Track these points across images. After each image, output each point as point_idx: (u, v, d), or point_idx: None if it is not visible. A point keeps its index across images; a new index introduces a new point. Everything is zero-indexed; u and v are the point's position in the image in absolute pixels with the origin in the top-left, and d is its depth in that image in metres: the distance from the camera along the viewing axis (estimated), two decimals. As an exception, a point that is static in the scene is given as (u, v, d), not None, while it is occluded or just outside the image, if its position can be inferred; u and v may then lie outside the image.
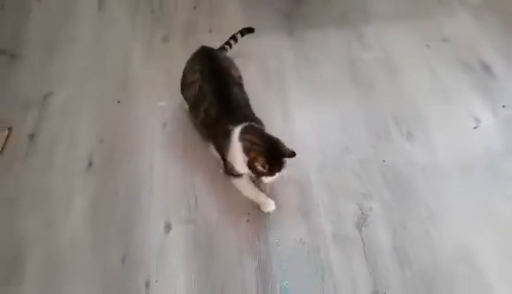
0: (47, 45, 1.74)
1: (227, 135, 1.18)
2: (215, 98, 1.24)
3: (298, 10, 1.80)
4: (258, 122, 1.24)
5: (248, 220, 1.22)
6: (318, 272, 1.12)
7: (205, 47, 1.39)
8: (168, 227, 1.21)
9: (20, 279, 1.14)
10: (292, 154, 1.11)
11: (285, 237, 1.19)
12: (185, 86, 1.35)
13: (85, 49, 1.72)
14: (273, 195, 1.25)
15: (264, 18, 1.77)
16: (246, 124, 1.17)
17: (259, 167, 1.11)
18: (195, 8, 1.85)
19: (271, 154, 1.11)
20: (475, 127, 1.42)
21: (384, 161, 1.33)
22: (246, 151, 1.12)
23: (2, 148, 1.41)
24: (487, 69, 1.59)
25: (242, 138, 1.14)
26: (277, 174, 1.14)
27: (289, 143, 1.34)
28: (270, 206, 1.22)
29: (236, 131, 1.16)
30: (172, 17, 1.81)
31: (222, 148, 1.22)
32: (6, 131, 1.45)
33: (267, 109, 1.40)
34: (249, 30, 1.55)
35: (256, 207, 1.23)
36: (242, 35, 1.55)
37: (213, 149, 1.28)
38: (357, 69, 1.59)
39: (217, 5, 1.85)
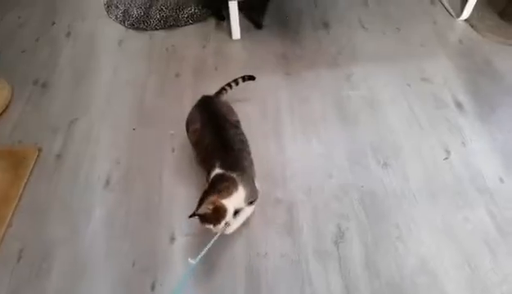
0: (74, 76, 2.00)
1: (210, 170, 1.34)
2: (213, 140, 1.40)
3: (294, 52, 2.03)
4: (242, 168, 1.35)
5: (241, 235, 1.42)
6: (299, 281, 1.31)
7: (206, 97, 1.57)
8: (172, 238, 1.42)
9: (47, 276, 1.35)
10: (193, 215, 1.24)
11: (272, 250, 1.38)
12: (189, 132, 1.53)
13: (106, 81, 1.97)
14: (263, 214, 1.45)
15: (264, 59, 2.01)
16: (218, 172, 1.31)
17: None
18: (204, 47, 2.10)
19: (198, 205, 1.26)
20: (445, 158, 1.61)
21: (362, 186, 1.53)
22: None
23: (34, 165, 1.65)
24: (459, 106, 1.79)
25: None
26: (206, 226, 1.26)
27: (280, 170, 1.58)
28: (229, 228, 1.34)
29: (212, 174, 1.32)
30: (183, 55, 2.06)
31: (208, 179, 1.37)
32: (37, 152, 1.69)
33: (263, 141, 1.62)
34: (251, 78, 1.74)
35: (249, 224, 1.43)
36: (243, 80, 1.73)
37: None
38: (343, 105, 1.80)
39: (223, 46, 2.09)
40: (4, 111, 1.85)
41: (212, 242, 1.28)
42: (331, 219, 1.44)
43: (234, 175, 1.31)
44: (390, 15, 2.22)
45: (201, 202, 1.26)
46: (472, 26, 2.15)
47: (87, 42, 2.17)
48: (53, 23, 2.30)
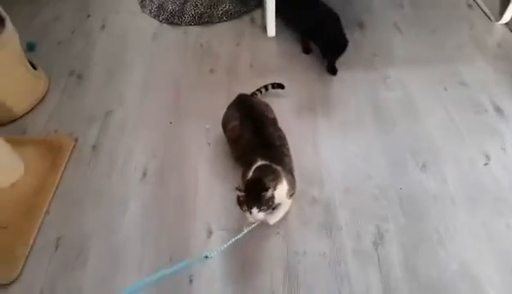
0: (109, 68, 2.02)
1: (251, 163, 1.33)
2: (253, 136, 1.41)
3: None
4: (284, 163, 1.35)
5: (278, 233, 1.40)
6: (337, 281, 1.29)
7: (242, 95, 1.59)
8: (209, 232, 1.41)
9: (84, 266, 1.35)
10: (265, 189, 1.21)
11: (310, 249, 1.36)
12: (227, 130, 1.53)
13: (141, 74, 1.98)
14: (300, 213, 1.44)
15: (299, 58, 2.00)
16: (263, 163, 1.30)
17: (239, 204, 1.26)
18: (238, 44, 2.10)
19: (244, 198, 1.23)
20: (485, 164, 1.58)
21: (400, 188, 1.50)
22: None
23: (70, 155, 1.66)
24: (498, 111, 1.76)
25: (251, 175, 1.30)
26: (252, 213, 1.23)
27: (316, 169, 1.56)
28: (272, 218, 1.36)
29: (255, 165, 1.31)
30: (217, 51, 2.06)
31: (246, 173, 1.35)
32: (74, 142, 1.70)
33: (298, 140, 1.59)
34: (280, 86, 1.77)
35: (286, 223, 1.41)
36: (273, 88, 1.76)
37: None
38: (380, 107, 1.77)
39: (258, 43, 2.09)
40: (41, 101, 1.88)
41: (240, 236, 1.28)
42: (370, 220, 1.42)
43: (278, 167, 1.31)
44: (426, 19, 2.20)
45: (251, 188, 1.23)
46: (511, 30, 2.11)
47: (121, 36, 2.19)
48: (88, 15, 2.33)
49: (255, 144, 1.40)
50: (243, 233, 1.30)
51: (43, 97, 1.89)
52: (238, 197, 1.25)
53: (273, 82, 1.77)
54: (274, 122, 1.53)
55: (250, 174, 1.33)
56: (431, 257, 1.33)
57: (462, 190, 1.50)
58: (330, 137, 1.68)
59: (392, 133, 1.68)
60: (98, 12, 2.34)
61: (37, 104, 1.86)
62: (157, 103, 1.84)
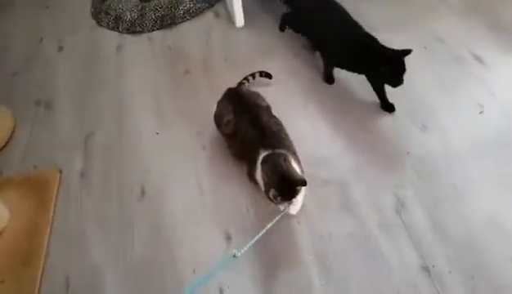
0: (77, 91, 1.87)
1: (256, 157, 1.30)
2: (250, 127, 1.36)
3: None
4: (286, 146, 1.32)
5: (299, 222, 1.35)
6: (372, 257, 1.25)
7: (231, 89, 1.53)
8: (228, 237, 1.33)
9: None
10: (303, 183, 1.19)
11: (335, 232, 1.31)
12: (221, 125, 1.47)
13: (114, 90, 1.85)
14: (315, 197, 1.39)
15: (273, 43, 1.94)
16: (267, 153, 1.27)
17: (272, 198, 1.22)
18: (207, 40, 2.01)
19: (282, 185, 1.19)
20: (481, 112, 1.59)
21: (407, 153, 1.49)
22: (264, 183, 1.23)
23: (58, 188, 1.52)
24: (478, 59, 1.78)
25: (263, 169, 1.25)
26: (292, 201, 1.23)
27: (318, 148, 1.51)
28: (294, 208, 1.31)
29: (260, 157, 1.28)
30: (188, 51, 1.97)
31: (252, 167, 1.34)
32: (59, 174, 1.56)
33: (295, 123, 1.53)
34: (268, 75, 1.73)
35: (304, 210, 1.36)
36: (261, 76, 1.72)
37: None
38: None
39: (228, 35, 2.02)
40: (11, 138, 1.72)
41: (265, 230, 1.23)
42: (387, 189, 1.39)
43: (283, 151, 1.27)
44: None
45: (287, 177, 1.19)
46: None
47: (82, 55, 2.05)
48: (41, 39, 2.16)
49: (253, 134, 1.35)
50: (268, 226, 1.23)
51: (12, 134, 1.73)
52: (272, 196, 1.21)
53: (261, 70, 1.71)
54: (267, 109, 1.48)
55: (258, 167, 1.27)
56: (455, 214, 1.32)
57: (466, 142, 1.50)
58: (326, 117, 1.64)
59: (386, 100, 1.66)
60: (51, 35, 2.18)
61: (6, 143, 1.70)
62: (137, 116, 1.73)
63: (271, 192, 1.21)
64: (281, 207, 1.26)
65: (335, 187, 1.42)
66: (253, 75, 1.69)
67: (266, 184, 1.22)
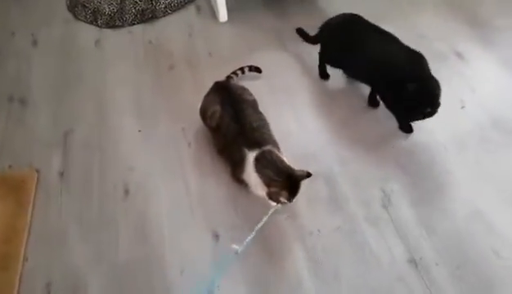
0: (54, 86, 1.80)
1: (241, 157, 1.30)
2: (232, 121, 1.36)
3: (286, 26, 1.95)
4: (272, 142, 1.34)
5: (287, 218, 1.34)
6: (360, 251, 1.26)
7: (219, 82, 1.52)
8: (216, 236, 1.31)
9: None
10: (308, 175, 1.25)
11: (324, 227, 1.31)
12: (207, 117, 1.45)
13: (93, 85, 1.79)
14: (303, 191, 1.38)
15: (258, 37, 1.92)
16: (260, 151, 1.27)
17: (281, 198, 1.24)
18: (190, 34, 1.97)
19: (290, 185, 1.23)
20: (462, 107, 1.62)
21: (392, 147, 1.50)
22: (267, 185, 1.24)
23: (36, 188, 1.46)
24: (458, 55, 1.81)
25: (259, 170, 1.25)
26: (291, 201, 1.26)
27: (305, 143, 1.51)
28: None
29: (250, 157, 1.28)
30: (170, 46, 1.92)
31: (237, 167, 1.33)
32: (36, 173, 1.50)
33: (281, 119, 1.54)
34: (258, 70, 1.72)
35: (292, 204, 1.34)
36: (250, 70, 1.70)
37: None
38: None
39: (211, 30, 1.98)
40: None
41: (261, 224, 1.23)
42: (373, 184, 1.40)
43: (268, 147, 1.29)
44: None
45: (293, 174, 1.23)
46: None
47: (58, 49, 1.97)
48: (12, 33, 2.06)
49: (234, 129, 1.35)
50: (263, 220, 1.25)
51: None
52: (272, 194, 1.24)
53: (250, 64, 1.69)
54: (253, 104, 1.47)
55: (246, 168, 1.28)
56: (439, 207, 1.35)
57: (449, 137, 1.52)
58: (313, 112, 1.64)
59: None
60: (23, 28, 2.08)
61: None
62: (119, 112, 1.67)
63: (282, 194, 1.22)
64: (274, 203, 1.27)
65: (323, 182, 1.42)
66: (242, 69, 1.67)
67: (273, 188, 1.23)
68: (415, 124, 1.54)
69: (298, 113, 1.63)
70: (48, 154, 1.55)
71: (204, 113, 1.46)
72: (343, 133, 1.56)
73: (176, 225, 1.34)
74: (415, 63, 1.48)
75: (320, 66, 1.74)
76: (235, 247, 1.21)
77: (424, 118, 1.44)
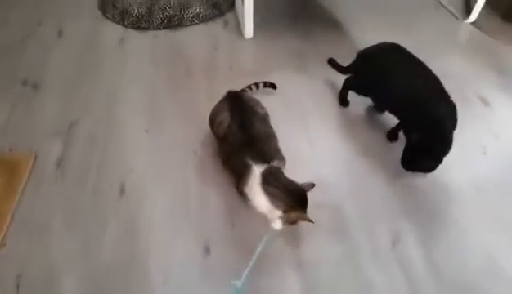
0: (70, 76, 1.78)
1: (245, 169, 1.23)
2: (239, 131, 1.30)
3: (309, 48, 1.93)
4: (279, 157, 1.28)
5: (285, 241, 1.24)
6: (362, 289, 1.15)
7: (232, 91, 1.46)
8: (207, 250, 1.22)
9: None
10: (313, 185, 1.20)
11: (325, 257, 1.21)
12: (215, 125, 1.40)
13: (109, 81, 1.76)
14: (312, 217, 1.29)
15: (280, 56, 1.89)
16: (266, 168, 1.20)
17: (300, 220, 1.17)
18: (214, 46, 1.95)
19: (301, 203, 1.17)
20: (484, 153, 1.54)
21: (408, 183, 1.41)
22: (284, 210, 1.16)
23: (29, 174, 1.40)
24: (483, 101, 1.75)
25: (267, 190, 1.18)
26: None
27: (315, 167, 1.43)
28: (278, 224, 1.23)
29: (256, 171, 1.20)
30: (193, 54, 1.90)
31: (240, 179, 1.26)
32: (32, 158, 1.44)
33: (291, 140, 1.46)
34: (273, 85, 1.68)
35: (294, 230, 1.26)
36: (264, 86, 1.67)
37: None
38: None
39: (235, 44, 1.96)
40: (-11, 115, 1.60)
41: (255, 257, 1.13)
42: (383, 219, 1.31)
43: (275, 163, 1.24)
44: (395, 22, 2.17)
45: (301, 191, 1.18)
46: (479, 28, 2.16)
47: (82, 43, 1.96)
48: (40, 23, 2.08)
49: (240, 140, 1.28)
50: (258, 250, 1.15)
51: (-9, 112, 1.61)
52: (291, 218, 1.17)
53: (265, 80, 1.65)
54: (263, 117, 1.40)
55: (251, 183, 1.20)
56: (451, 251, 1.24)
57: (468, 180, 1.43)
58: (327, 136, 1.57)
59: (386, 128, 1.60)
60: (51, 19, 2.09)
61: (-17, 121, 1.58)
62: (129, 110, 1.63)
63: (302, 216, 1.16)
64: (272, 226, 1.20)
65: (330, 211, 1.33)
66: (256, 85, 1.63)
67: (286, 210, 1.16)
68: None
69: (311, 135, 1.56)
70: (50, 142, 1.50)
71: (212, 120, 1.40)
72: (357, 163, 1.48)
73: (167, 233, 1.26)
74: (442, 113, 1.38)
75: (342, 92, 1.68)
76: (234, 283, 1.09)
77: (422, 170, 1.38)
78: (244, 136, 1.28)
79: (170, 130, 1.55)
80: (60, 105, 1.65)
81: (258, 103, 1.43)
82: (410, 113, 1.41)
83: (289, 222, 1.17)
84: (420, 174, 1.41)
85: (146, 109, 1.64)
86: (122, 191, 1.36)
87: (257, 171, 1.20)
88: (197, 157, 1.47)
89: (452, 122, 1.37)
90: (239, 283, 1.09)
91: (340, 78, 1.70)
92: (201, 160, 1.46)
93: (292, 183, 1.19)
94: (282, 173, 1.22)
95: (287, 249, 1.23)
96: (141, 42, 1.96)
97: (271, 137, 1.33)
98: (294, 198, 1.16)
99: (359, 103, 1.67)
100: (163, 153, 1.48)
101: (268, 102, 1.50)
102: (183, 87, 1.74)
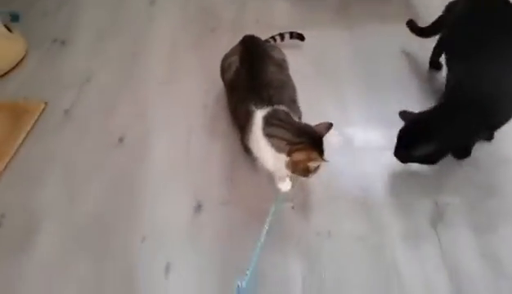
0: (97, 34, 1.72)
1: (248, 117, 1.01)
2: (248, 76, 1.09)
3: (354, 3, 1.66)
4: (291, 106, 1.04)
5: (293, 207, 1.02)
6: (381, 272, 0.88)
7: (248, 35, 1.27)
8: (198, 206, 1.04)
9: (32, 250, 1.00)
10: (330, 126, 0.96)
11: (340, 230, 0.97)
12: (224, 69, 1.23)
13: (134, 38, 1.67)
14: (327, 184, 1.05)
15: (317, 11, 1.66)
16: (269, 111, 0.99)
17: (311, 164, 0.92)
18: (243, 4, 1.78)
19: (309, 141, 0.93)
20: None
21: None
22: (288, 153, 0.92)
23: (37, 120, 1.35)
24: None
25: (268, 133, 0.96)
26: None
27: (348, 133, 1.18)
28: (286, 185, 1.04)
29: (258, 116, 0.98)
30: (221, 11, 1.75)
31: (244, 132, 1.04)
32: (43, 105, 1.39)
33: (320, 102, 1.25)
34: (300, 36, 1.48)
35: (301, 193, 1.03)
36: (291, 37, 1.47)
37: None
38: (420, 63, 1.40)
39: (266, 3, 1.77)
40: (16, 66, 1.59)
41: (270, 218, 0.93)
42: (425, 192, 1.02)
43: (283, 108, 1.00)
44: None
45: (315, 131, 0.94)
46: None
47: (114, 2, 1.92)
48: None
49: (250, 86, 1.06)
50: (263, 233, 0.93)
51: (19, 62, 1.60)
52: (297, 163, 0.92)
53: (291, 30, 1.44)
54: (280, 62, 1.18)
55: (258, 133, 0.98)
56: (507, 238, 0.92)
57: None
58: (360, 103, 1.30)
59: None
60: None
61: (10, 70, 1.58)
62: (147, 63, 1.53)
63: (313, 157, 0.91)
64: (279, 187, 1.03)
65: (359, 180, 1.07)
66: (281, 35, 1.43)
67: (293, 153, 0.92)
68: (497, 134, 1.12)
69: (342, 101, 1.30)
70: (63, 93, 1.44)
71: (222, 65, 1.23)
72: (394, 127, 1.19)
73: (159, 186, 1.11)
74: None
75: (434, 54, 1.35)
76: (238, 283, 0.85)
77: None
78: (252, 82, 1.07)
79: (184, 83, 1.42)
80: (82, 60, 1.60)
81: (275, 48, 1.24)
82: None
83: (298, 170, 0.93)
84: (478, 144, 1.09)
85: (165, 63, 1.52)
86: (121, 139, 1.25)
87: (259, 115, 0.99)
88: (207, 111, 1.30)
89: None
90: (244, 282, 0.85)
91: (383, 41, 1.45)
92: (210, 115, 1.29)
93: (300, 123, 0.98)
94: (291, 117, 0.98)
95: (300, 213, 1.00)
96: (171, 3, 1.86)
97: (286, 87, 1.11)
98: (298, 135, 0.93)
99: (400, 66, 1.38)
100: (172, 105, 1.35)
101: (294, 58, 1.28)
102: (206, 43, 1.59)
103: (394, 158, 1.03)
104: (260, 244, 0.90)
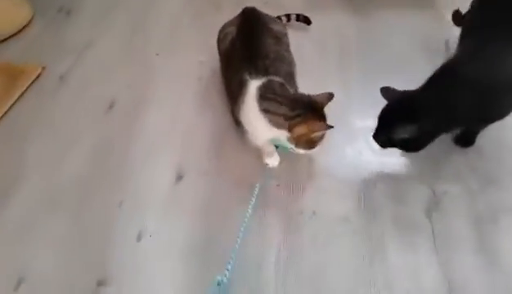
0: (102, 6, 1.70)
1: (241, 88, 0.94)
2: (243, 47, 1.02)
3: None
4: (287, 79, 0.97)
5: (278, 185, 0.95)
6: (366, 257, 0.81)
7: (248, 7, 1.19)
8: (179, 176, 0.99)
9: (7, 205, 0.98)
10: (330, 96, 0.89)
11: (326, 210, 0.90)
12: (220, 39, 1.17)
13: (137, 12, 1.63)
14: (315, 164, 0.99)
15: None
16: (264, 82, 0.92)
17: (315, 135, 0.86)
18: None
19: (310, 111, 0.87)
20: None
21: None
22: (289, 128, 0.87)
23: (32, 82, 1.33)
24: None
25: (264, 108, 0.89)
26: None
27: (348, 113, 1.12)
28: (274, 160, 0.98)
29: (252, 86, 0.92)
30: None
31: (235, 103, 0.98)
32: (40, 69, 1.37)
33: (324, 86, 1.16)
34: (306, 20, 1.40)
35: (288, 171, 0.97)
36: (297, 20, 1.40)
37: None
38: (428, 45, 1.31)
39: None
40: (20, 31, 1.58)
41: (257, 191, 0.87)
42: (422, 178, 0.94)
43: (279, 79, 0.92)
44: None
45: (315, 101, 0.89)
46: None
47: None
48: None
49: (244, 57, 0.99)
50: (255, 193, 0.88)
51: (23, 28, 1.60)
52: (301, 137, 0.87)
53: (298, 12, 1.38)
54: (279, 35, 1.10)
55: (251, 104, 0.91)
56: (507, 230, 0.83)
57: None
58: (366, 87, 1.21)
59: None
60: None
61: (13, 35, 1.57)
62: (147, 36, 1.49)
63: (306, 128, 0.85)
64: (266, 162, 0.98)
65: (352, 158, 1.00)
66: (288, 16, 1.37)
67: (295, 127, 0.86)
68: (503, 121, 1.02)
69: (348, 84, 1.22)
70: (61, 59, 1.42)
71: (219, 34, 1.17)
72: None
73: (142, 154, 1.07)
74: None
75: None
76: (218, 278, 0.77)
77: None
78: (249, 53, 1.00)
79: (181, 56, 1.37)
80: (85, 29, 1.57)
81: (275, 20, 1.17)
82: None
83: (302, 144, 0.87)
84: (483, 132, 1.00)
85: (165, 36, 1.48)
86: (111, 106, 1.22)
87: (253, 85, 0.92)
88: (200, 84, 1.25)
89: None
90: (224, 278, 0.76)
91: (390, 26, 1.37)
92: (204, 87, 1.24)
93: (296, 93, 0.92)
94: (286, 88, 0.92)
95: (284, 190, 0.94)
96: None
97: (283, 60, 1.04)
98: (294, 107, 0.86)
99: (406, 51, 1.30)
100: (166, 76, 1.30)
101: (300, 40, 1.22)
102: (209, 20, 1.52)
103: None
104: (243, 229, 0.83)
